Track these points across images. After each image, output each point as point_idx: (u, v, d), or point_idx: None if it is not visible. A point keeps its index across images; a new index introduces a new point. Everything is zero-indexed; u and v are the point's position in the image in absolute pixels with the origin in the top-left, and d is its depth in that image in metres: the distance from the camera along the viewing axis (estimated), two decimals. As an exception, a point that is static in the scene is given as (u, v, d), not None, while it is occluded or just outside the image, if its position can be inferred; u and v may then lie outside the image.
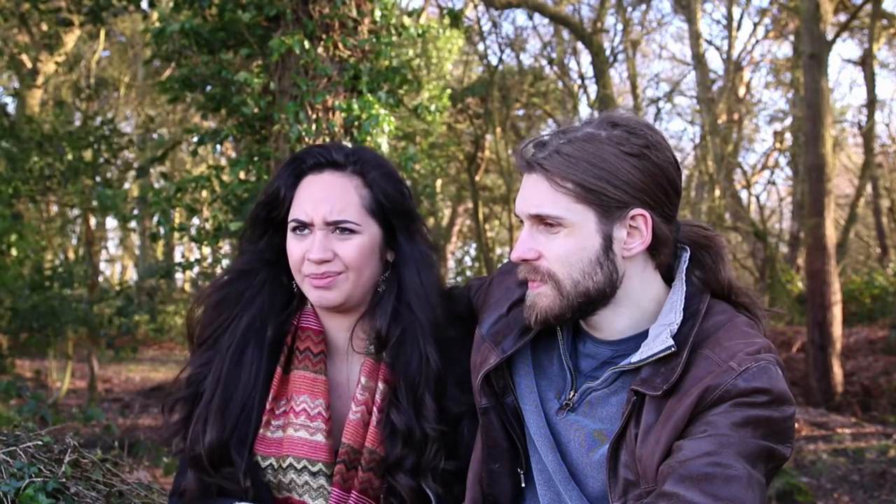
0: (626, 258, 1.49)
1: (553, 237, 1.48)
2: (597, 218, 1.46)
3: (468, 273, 22.69)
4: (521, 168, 1.52)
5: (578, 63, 20.17)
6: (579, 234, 1.46)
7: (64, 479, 2.16)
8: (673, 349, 1.43)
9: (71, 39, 11.67)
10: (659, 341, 1.45)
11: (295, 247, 1.72)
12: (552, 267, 1.48)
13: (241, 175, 6.20)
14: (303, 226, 1.71)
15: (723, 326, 1.47)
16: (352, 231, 1.70)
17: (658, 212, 1.48)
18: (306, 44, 5.56)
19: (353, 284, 1.72)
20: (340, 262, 1.70)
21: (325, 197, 1.71)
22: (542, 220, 1.48)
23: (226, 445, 1.71)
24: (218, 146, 6.73)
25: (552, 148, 1.47)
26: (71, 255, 16.92)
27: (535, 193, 1.48)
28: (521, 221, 1.54)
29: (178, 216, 8.89)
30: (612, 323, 1.54)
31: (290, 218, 1.73)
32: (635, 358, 1.47)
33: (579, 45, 17.50)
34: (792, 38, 18.15)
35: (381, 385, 1.74)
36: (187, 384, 1.80)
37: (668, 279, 1.56)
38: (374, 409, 1.73)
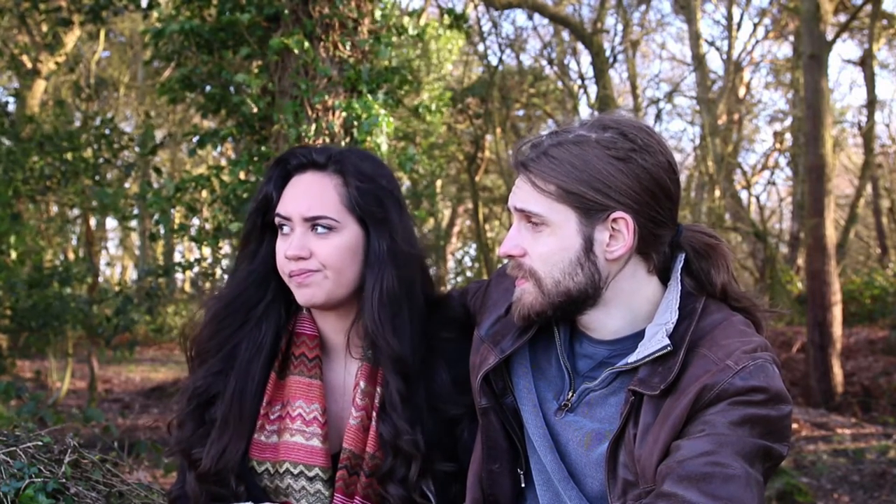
0: (609, 260, 1.50)
1: (538, 236, 1.51)
2: (577, 219, 1.48)
3: (468, 273, 22.67)
4: (512, 166, 1.57)
5: (578, 63, 20.18)
6: (560, 234, 1.49)
7: (64, 480, 2.16)
8: (669, 348, 1.43)
9: (71, 39, 11.66)
10: (655, 341, 1.45)
11: (279, 247, 1.73)
12: (534, 265, 1.52)
13: (241, 175, 6.19)
14: (284, 223, 1.72)
15: (719, 325, 1.48)
16: (329, 228, 1.69)
17: (644, 215, 1.48)
18: (306, 44, 5.56)
19: (335, 283, 1.71)
20: (316, 261, 1.69)
21: (304, 194, 1.71)
22: (528, 218, 1.52)
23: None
24: (218, 146, 6.72)
25: (542, 149, 1.51)
26: (71, 256, 16.93)
27: (522, 191, 1.52)
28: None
29: (177, 216, 8.88)
30: (605, 323, 1.55)
31: (274, 214, 1.74)
32: (632, 358, 1.48)
33: (579, 46, 17.48)
34: (792, 38, 18.15)
35: (379, 389, 1.73)
36: (193, 396, 1.77)
37: (666, 280, 1.57)
38: (374, 413, 1.72)
